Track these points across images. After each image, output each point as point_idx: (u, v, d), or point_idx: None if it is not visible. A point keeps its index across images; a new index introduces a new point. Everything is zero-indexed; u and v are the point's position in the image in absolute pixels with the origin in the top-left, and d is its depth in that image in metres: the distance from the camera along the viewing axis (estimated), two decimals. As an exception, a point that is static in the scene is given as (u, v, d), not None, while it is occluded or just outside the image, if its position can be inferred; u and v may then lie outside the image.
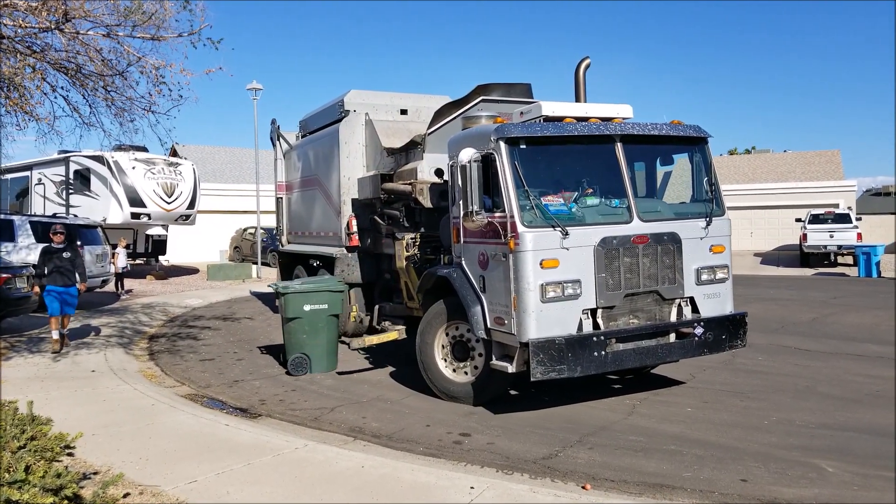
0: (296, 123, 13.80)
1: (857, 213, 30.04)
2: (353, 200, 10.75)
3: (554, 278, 6.28)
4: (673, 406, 7.06)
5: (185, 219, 22.42)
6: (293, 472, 5.10)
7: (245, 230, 30.00)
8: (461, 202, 6.97)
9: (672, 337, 6.84)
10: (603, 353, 6.36)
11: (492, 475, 5.22)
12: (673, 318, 6.88)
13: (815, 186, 34.32)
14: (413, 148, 9.20)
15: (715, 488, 4.96)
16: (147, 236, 23.01)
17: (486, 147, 6.62)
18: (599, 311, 6.49)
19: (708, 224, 7.07)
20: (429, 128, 8.87)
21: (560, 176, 6.94)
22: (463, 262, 7.09)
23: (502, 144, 6.50)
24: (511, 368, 6.41)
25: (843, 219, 25.53)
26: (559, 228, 6.34)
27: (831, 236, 24.61)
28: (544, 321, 6.24)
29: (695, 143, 7.33)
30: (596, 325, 6.48)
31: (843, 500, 4.73)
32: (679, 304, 6.90)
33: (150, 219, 21.31)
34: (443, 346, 7.46)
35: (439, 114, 8.90)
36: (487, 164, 6.61)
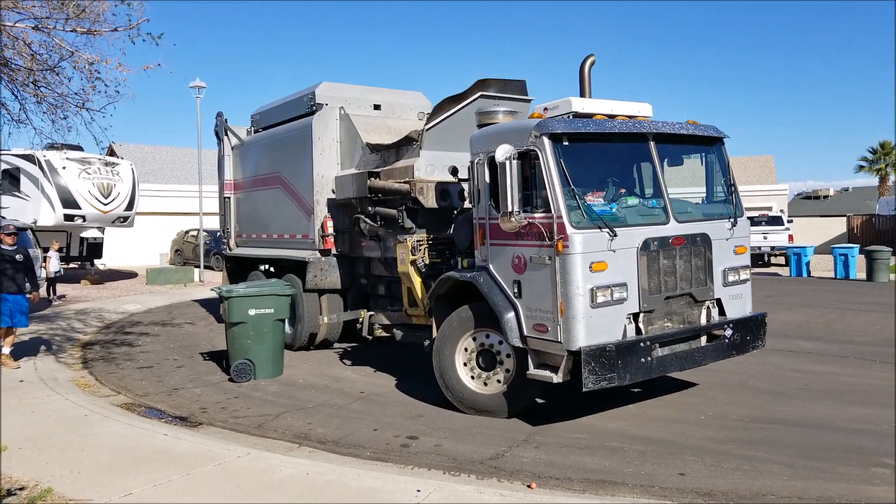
0: (242, 120, 13.26)
1: (788, 216, 31.38)
2: (329, 200, 10.14)
3: (603, 282, 5.98)
4: (615, 403, 7.21)
5: (123, 221, 21.68)
6: (235, 481, 4.99)
7: (187, 232, 29.21)
8: (490, 202, 6.64)
9: (703, 340, 6.71)
10: (649, 359, 6.14)
11: (438, 477, 5.23)
12: (703, 320, 6.75)
13: (749, 190, 35.64)
14: (407, 144, 8.74)
15: (655, 483, 5.09)
16: (82, 239, 22.13)
17: (524, 143, 6.22)
18: (641, 316, 6.25)
19: (734, 225, 7.04)
20: (427, 123, 8.49)
21: (597, 174, 6.66)
22: (490, 266, 6.66)
23: (546, 140, 6.10)
24: (556, 378, 6.04)
25: (776, 221, 26.61)
26: (606, 229, 6.04)
27: (765, 238, 25.58)
28: (593, 328, 5.93)
29: (714, 143, 7.24)
30: (638, 331, 6.23)
31: (773, 489, 4.93)
32: (708, 306, 6.80)
33: (84, 221, 20.52)
34: (465, 356, 7.00)
35: (438, 108, 8.51)
36: (525, 162, 6.23)
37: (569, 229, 5.91)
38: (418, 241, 8.09)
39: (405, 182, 8.45)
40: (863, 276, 20.07)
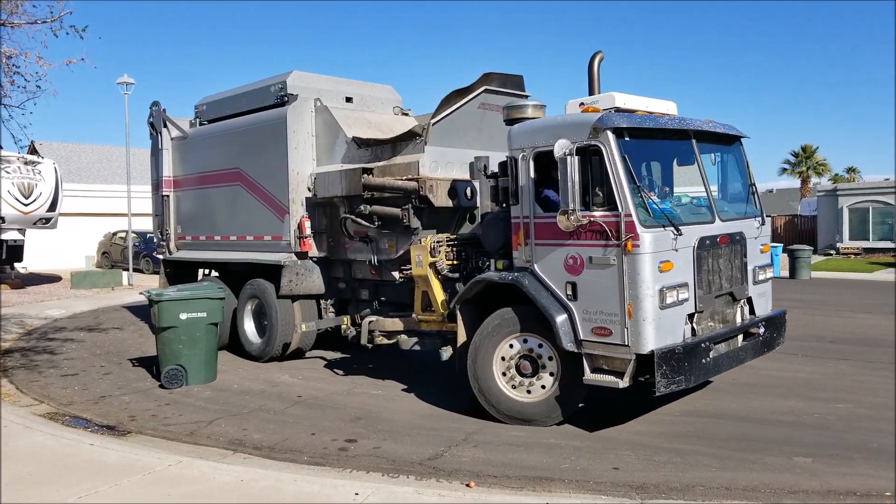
0: (179, 114, 12.27)
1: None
2: (307, 199, 9.42)
3: (670, 282, 5.84)
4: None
5: (46, 222, 20.63)
6: (166, 490, 4.82)
7: (115, 234, 28.08)
8: (533, 200, 6.39)
9: (740, 339, 6.71)
10: (708, 360, 6.05)
11: (377, 480, 5.19)
12: (738, 319, 6.73)
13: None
14: (408, 139, 8.27)
15: (590, 478, 5.20)
16: (0, 241, 20.98)
17: (583, 138, 5.95)
18: (694, 316, 6.15)
19: (762, 223, 7.15)
20: (433, 117, 8.08)
21: (648, 172, 6.62)
22: (535, 267, 6.36)
23: (610, 135, 5.86)
24: (622, 384, 5.83)
25: None
26: (671, 228, 5.88)
27: None
28: (661, 329, 5.78)
29: (734, 142, 7.23)
30: (692, 332, 6.13)
31: (702, 481, 5.10)
32: (741, 305, 6.80)
33: (3, 222, 19.44)
34: (504, 364, 6.60)
35: (445, 102, 8.12)
36: (584, 158, 5.95)
37: (639, 228, 5.70)
38: (437, 241, 7.55)
39: (412, 179, 7.95)
40: (786, 273, 21.07)
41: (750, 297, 6.90)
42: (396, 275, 8.53)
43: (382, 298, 9.06)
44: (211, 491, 4.80)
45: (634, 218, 5.73)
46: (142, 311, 14.85)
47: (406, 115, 10.78)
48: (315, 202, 9.44)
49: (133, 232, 23.90)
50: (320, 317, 9.80)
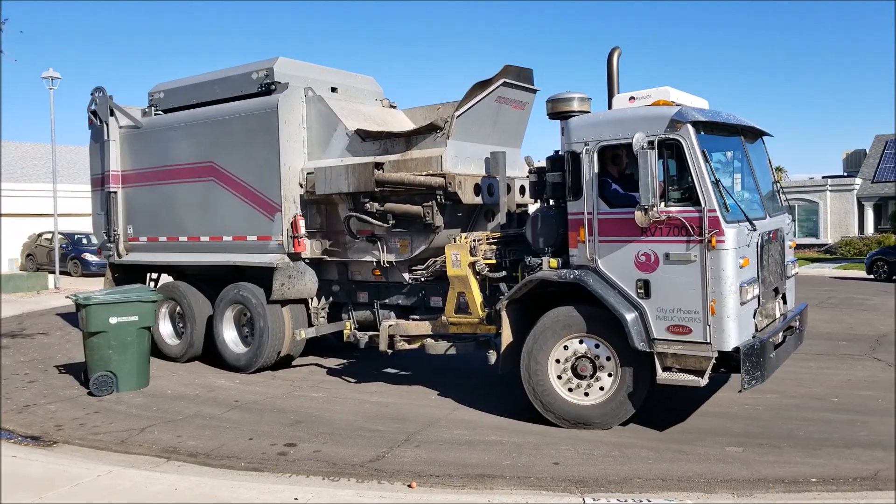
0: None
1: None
2: (301, 196, 8.72)
3: (746, 278, 5.84)
4: (493, 398, 7.36)
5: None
6: (95, 501, 4.61)
7: (40, 235, 26.78)
8: (597, 195, 6.19)
9: (781, 334, 6.69)
10: (773, 355, 6.07)
11: (318, 484, 5.11)
12: (777, 313, 6.80)
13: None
14: (427, 133, 7.85)
15: (531, 473, 5.25)
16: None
17: (660, 131, 5.81)
18: (756, 311, 6.16)
19: (792, 219, 7.30)
20: (457, 109, 7.71)
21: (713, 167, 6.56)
22: (600, 265, 6.16)
23: (690, 129, 5.77)
24: (703, 382, 5.73)
25: None
26: (746, 223, 5.88)
27: None
28: (741, 326, 5.75)
29: (758, 139, 7.29)
30: (755, 327, 6.11)
31: (639, 473, 5.23)
32: (779, 300, 6.91)
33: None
34: (559, 367, 6.37)
35: (469, 94, 7.76)
36: (660, 152, 5.83)
37: (723, 223, 5.64)
38: (476, 239, 7.19)
39: (437, 175, 7.57)
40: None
41: (784, 292, 7.04)
42: (407, 276, 8.18)
43: (385, 301, 8.60)
44: (143, 501, 4.62)
45: (718, 213, 5.66)
46: (70, 316, 14.22)
47: (393, 107, 10.35)
48: (309, 199, 8.74)
49: (60, 233, 22.85)
50: (310, 322, 9.22)
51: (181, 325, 9.93)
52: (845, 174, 38.34)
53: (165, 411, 7.31)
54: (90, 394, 7.98)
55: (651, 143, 5.69)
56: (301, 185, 8.74)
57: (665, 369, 5.92)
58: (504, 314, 6.74)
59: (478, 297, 7.21)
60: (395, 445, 5.97)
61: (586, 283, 6.16)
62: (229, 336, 9.37)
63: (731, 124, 6.57)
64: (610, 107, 6.71)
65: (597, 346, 6.28)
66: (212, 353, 9.55)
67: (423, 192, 7.70)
